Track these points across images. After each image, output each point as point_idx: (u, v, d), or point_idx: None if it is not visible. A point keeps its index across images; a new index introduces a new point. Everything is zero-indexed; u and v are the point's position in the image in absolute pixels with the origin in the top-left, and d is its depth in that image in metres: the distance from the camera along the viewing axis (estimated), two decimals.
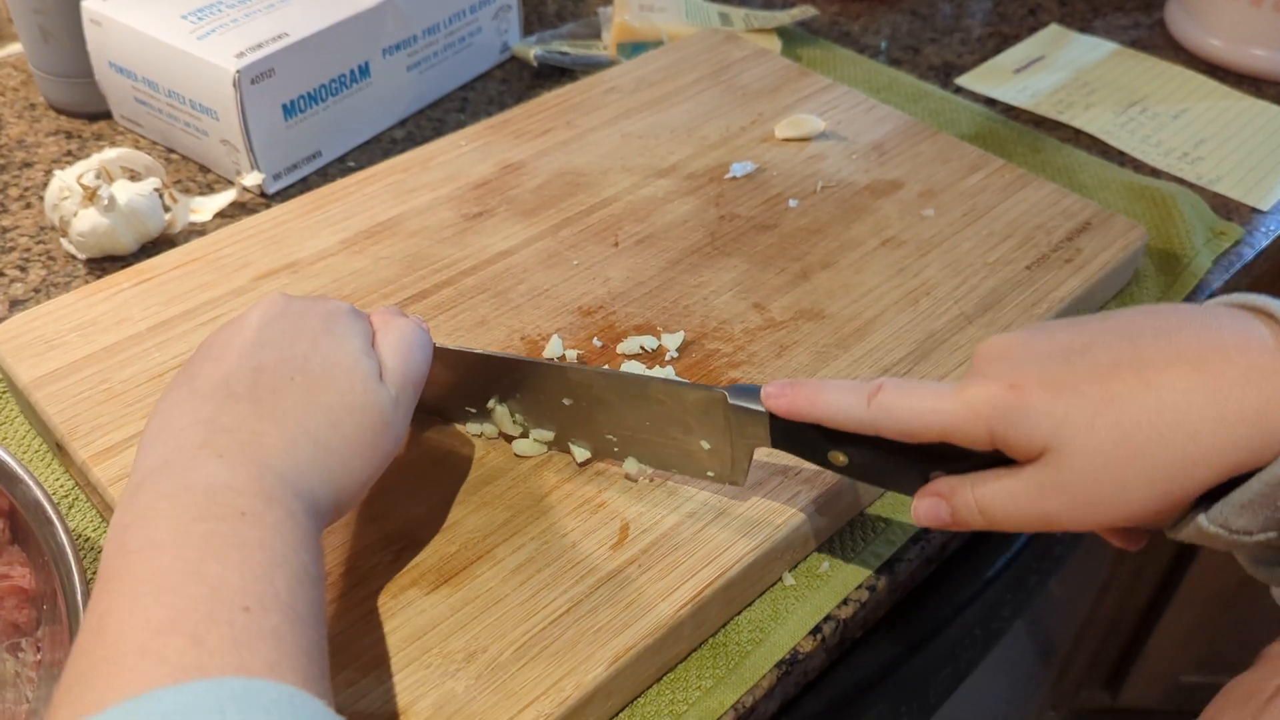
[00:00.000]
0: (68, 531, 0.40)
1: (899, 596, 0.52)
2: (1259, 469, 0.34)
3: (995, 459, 0.38)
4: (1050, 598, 1.34)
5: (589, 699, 0.41)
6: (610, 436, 0.49)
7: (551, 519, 0.47)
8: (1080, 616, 1.37)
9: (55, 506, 0.40)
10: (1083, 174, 0.75)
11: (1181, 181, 0.76)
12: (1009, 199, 0.67)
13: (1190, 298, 0.66)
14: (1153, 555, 1.27)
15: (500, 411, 0.50)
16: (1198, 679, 1.37)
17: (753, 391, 0.44)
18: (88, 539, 0.50)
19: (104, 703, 0.28)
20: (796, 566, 0.50)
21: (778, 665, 0.46)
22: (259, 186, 0.71)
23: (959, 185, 0.68)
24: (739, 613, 0.48)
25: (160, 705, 0.28)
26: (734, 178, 0.67)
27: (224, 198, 0.70)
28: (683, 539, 0.46)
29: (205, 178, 0.74)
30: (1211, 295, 0.67)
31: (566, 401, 0.48)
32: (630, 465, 0.49)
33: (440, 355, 0.49)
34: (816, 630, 0.47)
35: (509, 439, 0.51)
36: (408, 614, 0.43)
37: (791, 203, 0.66)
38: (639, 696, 0.45)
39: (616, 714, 0.44)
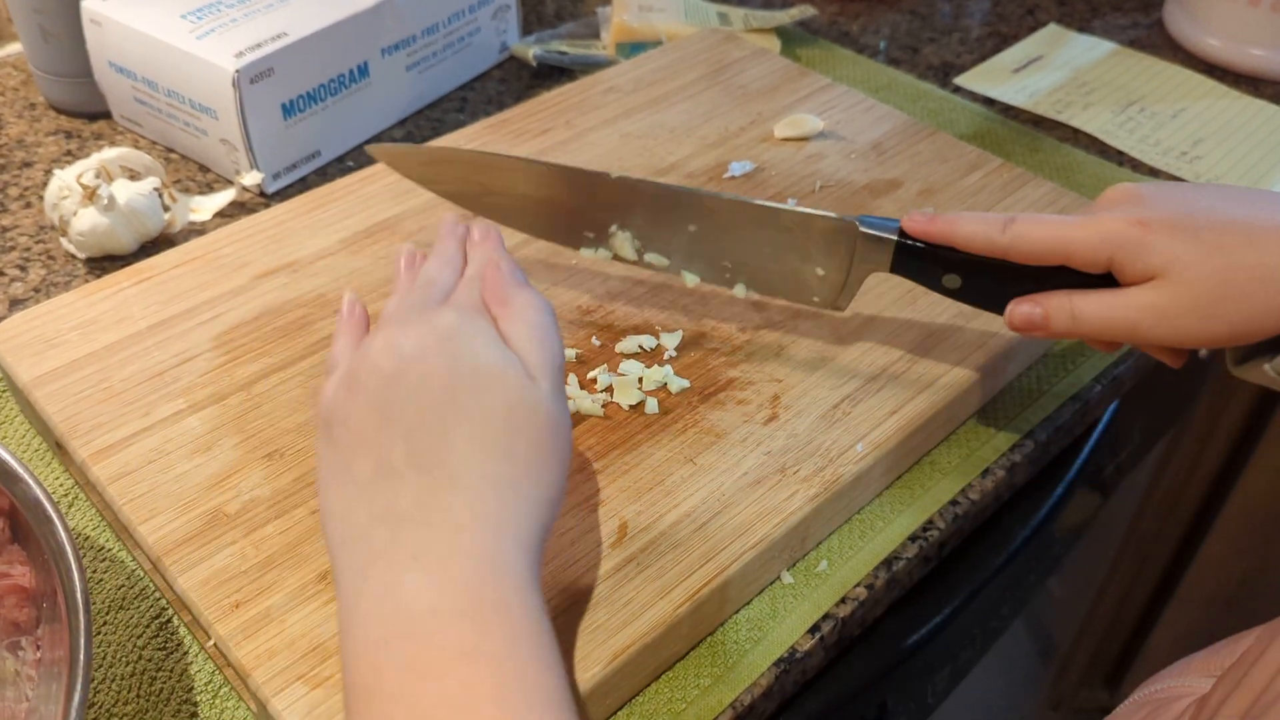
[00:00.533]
0: (68, 530, 0.40)
1: (897, 595, 0.52)
2: None
3: (1097, 281, 0.45)
4: (1049, 597, 1.34)
5: (587, 698, 0.41)
6: (725, 263, 0.52)
7: None
8: (1079, 616, 1.37)
9: (55, 505, 0.40)
10: (1081, 173, 0.76)
11: (1180, 180, 0.76)
12: (1008, 198, 0.67)
13: None
14: (1152, 555, 1.27)
15: (621, 237, 0.53)
16: None
17: (881, 221, 0.49)
18: (87, 538, 0.50)
19: None
20: (795, 565, 0.50)
21: (776, 664, 0.46)
22: (258, 186, 0.71)
23: (958, 184, 0.68)
24: (737, 611, 0.48)
25: None
26: (733, 177, 0.67)
27: (223, 197, 0.70)
28: (681, 537, 0.47)
29: (205, 177, 0.74)
30: None
31: (692, 228, 0.51)
32: (739, 290, 0.54)
33: (571, 176, 0.52)
34: (815, 629, 0.48)
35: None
36: None
37: (790, 202, 0.66)
38: (637, 695, 0.45)
39: (614, 713, 0.44)
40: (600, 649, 0.42)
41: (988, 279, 0.48)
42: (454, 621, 0.32)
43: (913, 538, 0.51)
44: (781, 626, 0.47)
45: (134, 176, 0.68)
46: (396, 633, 0.32)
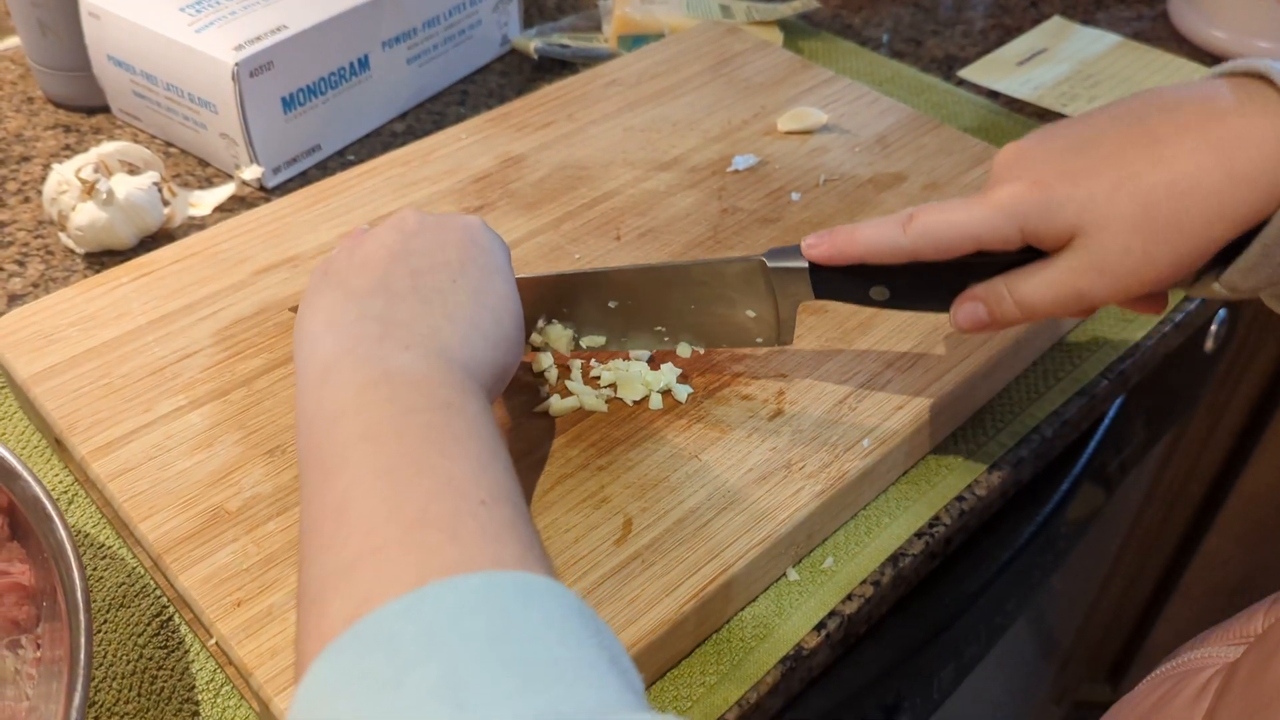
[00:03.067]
0: (67, 528, 0.39)
1: (903, 592, 0.52)
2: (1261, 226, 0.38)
3: (1026, 260, 0.42)
4: (1052, 592, 1.34)
5: None
6: (659, 328, 0.51)
7: (554, 514, 0.47)
8: (1082, 611, 1.37)
9: (54, 503, 0.40)
10: None
11: None
12: None
13: None
14: (1154, 550, 1.27)
15: (553, 331, 0.52)
16: None
17: (788, 252, 0.46)
18: (87, 535, 0.50)
19: (379, 594, 0.28)
20: (800, 562, 0.49)
21: (782, 661, 0.46)
22: (258, 180, 0.71)
23: (963, 178, 0.67)
24: (743, 608, 0.47)
25: (444, 598, 0.28)
26: (736, 171, 0.67)
27: (223, 192, 0.70)
28: (686, 534, 0.46)
29: (204, 172, 0.73)
30: None
31: (612, 304, 0.50)
32: (683, 350, 0.52)
33: None
34: (821, 626, 0.47)
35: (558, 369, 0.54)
36: None
37: (794, 196, 0.65)
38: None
39: None
40: None
41: (913, 282, 0.45)
42: (440, 386, 0.36)
43: (919, 534, 0.51)
44: (787, 624, 0.47)
45: (133, 171, 0.67)
46: (383, 379, 0.35)
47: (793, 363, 0.54)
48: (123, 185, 0.64)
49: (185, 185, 0.72)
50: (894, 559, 0.50)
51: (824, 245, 0.44)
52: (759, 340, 0.50)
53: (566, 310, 0.52)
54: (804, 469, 0.49)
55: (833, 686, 0.51)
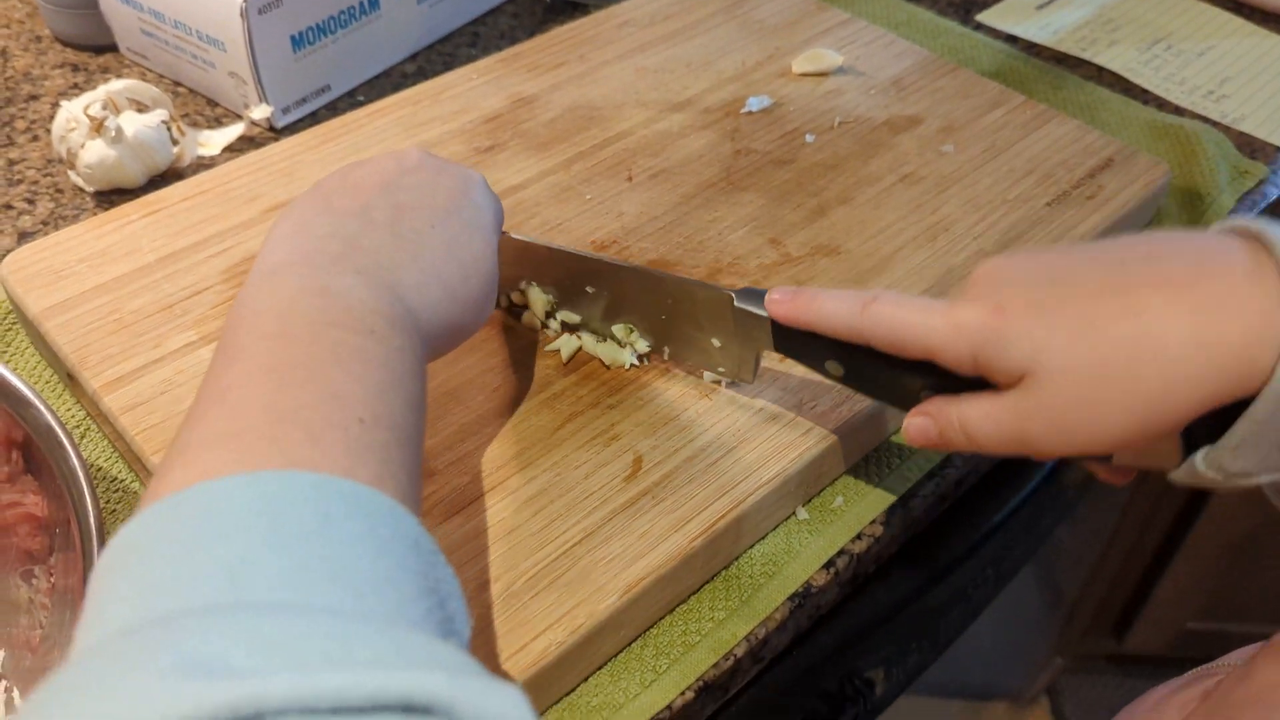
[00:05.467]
0: (80, 457, 0.39)
1: (913, 533, 0.52)
2: (1246, 403, 0.34)
3: (983, 382, 0.38)
4: (1059, 546, 1.35)
5: (601, 628, 0.41)
6: (630, 325, 0.50)
7: (564, 451, 0.47)
8: (1088, 565, 1.37)
9: (68, 432, 0.40)
10: (1105, 112, 0.74)
11: (1206, 120, 0.75)
12: (1030, 135, 0.65)
13: None
14: (1163, 503, 1.26)
15: (534, 293, 0.51)
16: (1204, 626, 1.38)
17: (760, 295, 0.44)
18: (100, 468, 0.50)
19: (222, 470, 0.29)
20: (810, 501, 0.49)
21: (790, 598, 0.46)
22: (268, 120, 0.70)
23: (979, 122, 0.66)
24: (752, 546, 0.48)
25: (271, 486, 0.28)
26: (750, 112, 0.66)
27: (232, 131, 0.69)
28: (696, 472, 0.46)
29: (213, 111, 0.73)
30: None
31: (590, 290, 0.50)
32: (641, 346, 0.50)
33: None
34: (830, 564, 0.47)
35: (543, 325, 0.53)
36: None
37: (808, 138, 0.64)
38: (651, 627, 0.45)
39: (629, 643, 0.44)
40: (615, 580, 0.42)
41: (866, 368, 0.42)
42: (373, 314, 0.36)
43: (930, 475, 0.51)
44: (796, 562, 0.47)
45: (141, 109, 0.67)
46: (320, 291, 0.36)
47: None
48: (131, 123, 0.64)
49: (194, 125, 0.72)
50: (904, 500, 0.50)
51: (785, 304, 0.42)
52: (720, 370, 0.49)
53: (548, 280, 0.51)
54: (815, 409, 0.49)
55: (841, 626, 0.51)
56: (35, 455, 0.41)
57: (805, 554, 0.47)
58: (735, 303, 0.45)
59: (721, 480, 0.46)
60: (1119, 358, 0.34)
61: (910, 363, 0.40)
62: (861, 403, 0.49)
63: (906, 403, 0.42)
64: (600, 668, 0.43)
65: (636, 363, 0.51)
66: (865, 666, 0.56)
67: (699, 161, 0.63)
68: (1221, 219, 0.66)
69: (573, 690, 0.42)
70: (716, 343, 0.48)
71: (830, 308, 0.41)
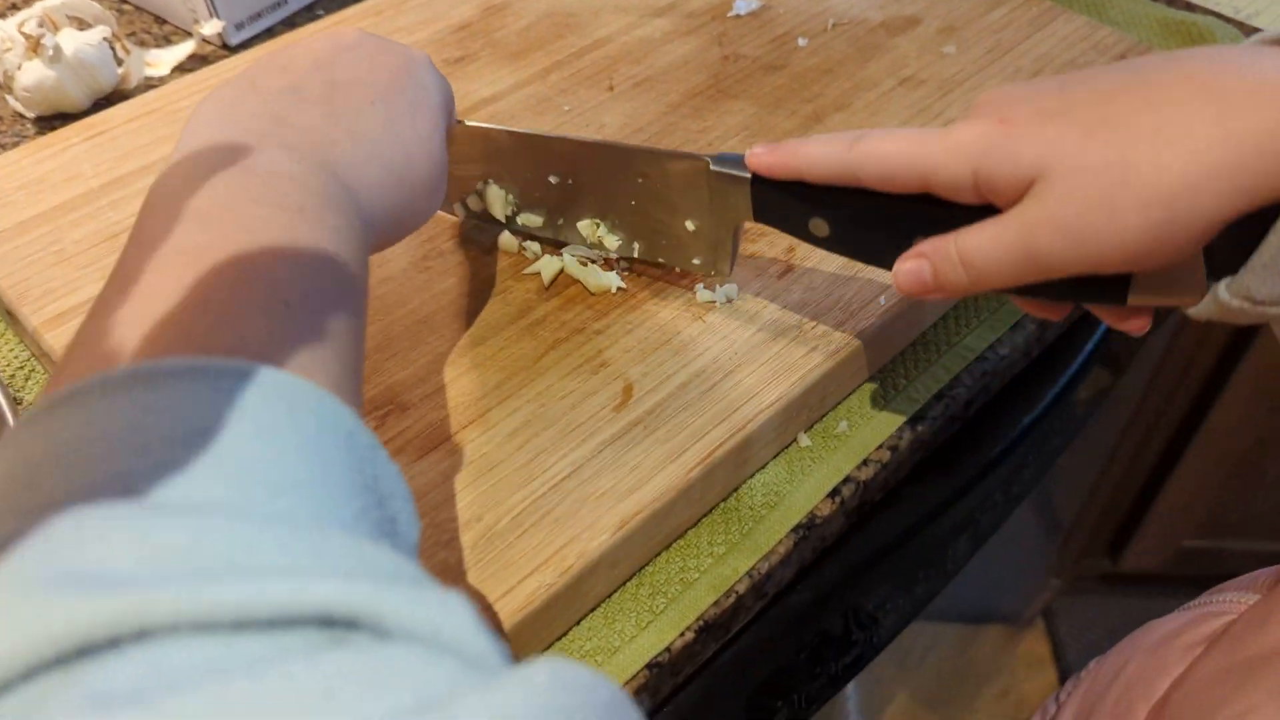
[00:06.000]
0: (10, 399, 0.36)
1: (921, 457, 0.49)
2: (1274, 217, 0.30)
3: (983, 215, 0.35)
4: (1057, 470, 1.33)
5: (593, 567, 0.38)
6: (597, 220, 0.47)
7: (548, 381, 0.43)
8: (1086, 488, 1.36)
9: (9, 388, 0.36)
10: (1114, 8, 0.70)
11: (1219, 16, 0.70)
12: (1037, 33, 0.61)
13: None
14: (1161, 421, 1.25)
15: (493, 192, 0.48)
16: (1200, 544, 1.37)
17: (737, 159, 0.41)
18: None
19: (118, 361, 0.26)
20: (812, 427, 0.46)
21: (794, 530, 0.43)
22: (220, 36, 0.65)
23: (982, 20, 0.62)
24: (751, 476, 0.44)
25: (175, 375, 0.24)
26: (737, 15, 0.62)
27: (182, 49, 0.65)
28: (690, 399, 0.43)
29: (161, 29, 0.68)
30: None
31: (553, 179, 0.46)
32: (611, 242, 0.47)
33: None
34: (835, 493, 0.44)
35: (521, 248, 0.49)
36: None
37: (801, 41, 0.60)
38: (647, 564, 0.42)
39: (624, 583, 0.41)
40: (607, 516, 0.39)
41: (855, 220, 0.39)
42: (303, 190, 0.32)
43: (938, 396, 0.48)
44: (799, 491, 0.44)
45: (82, 27, 0.62)
46: (242, 170, 0.32)
47: None
48: (71, 41, 0.59)
49: (141, 44, 0.67)
50: (912, 423, 0.47)
51: (768, 155, 0.39)
52: (696, 261, 0.45)
53: (508, 176, 0.47)
54: (816, 328, 0.45)
55: (847, 557, 0.48)
56: None
57: (808, 483, 0.44)
58: (711, 167, 0.41)
59: (718, 407, 0.42)
60: (1139, 151, 0.31)
61: (903, 204, 0.36)
62: (866, 319, 0.46)
63: (895, 259, 0.38)
64: (593, 609, 0.40)
65: (624, 285, 0.47)
66: (871, 598, 0.53)
67: (685, 68, 0.58)
68: None
69: (564, 635, 0.40)
70: (691, 226, 0.44)
71: (816, 150, 0.38)
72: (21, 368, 0.48)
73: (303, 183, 0.32)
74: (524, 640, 0.37)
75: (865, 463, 0.45)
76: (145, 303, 0.27)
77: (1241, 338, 1.14)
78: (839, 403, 0.47)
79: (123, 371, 0.24)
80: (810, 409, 0.45)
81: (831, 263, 0.48)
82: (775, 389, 0.43)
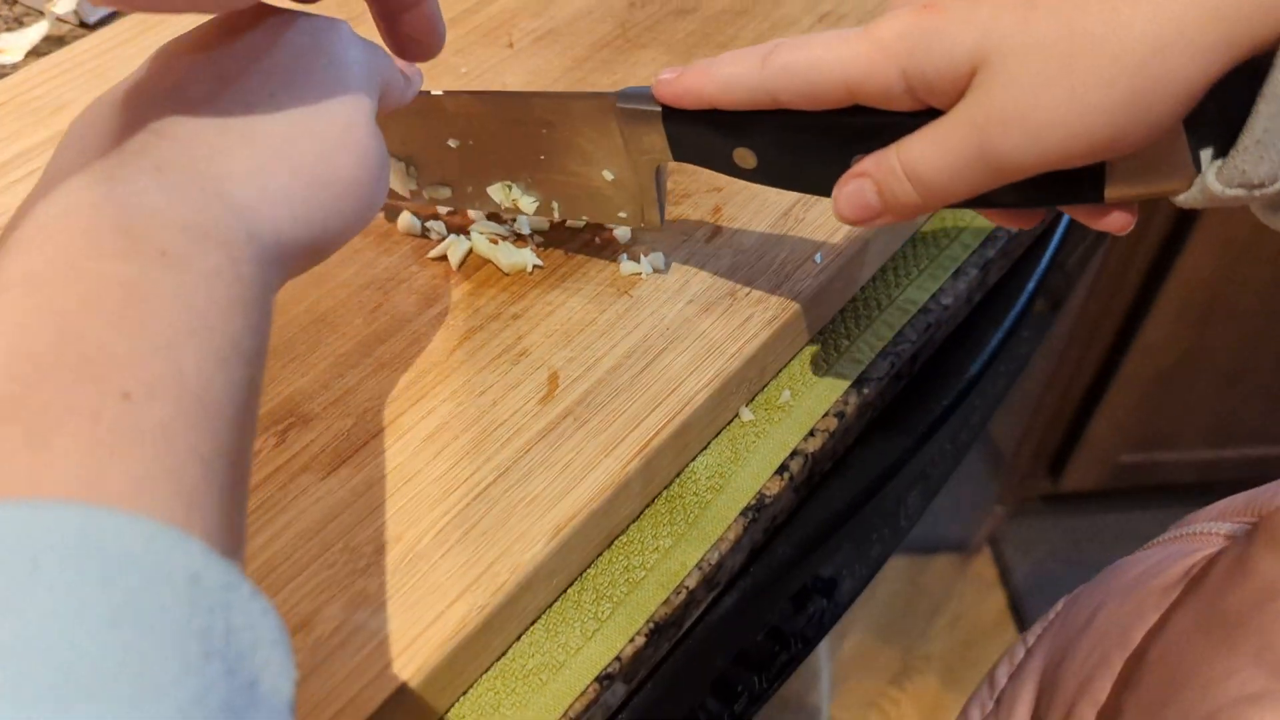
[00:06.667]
0: None
1: (869, 419, 0.46)
2: (1261, 79, 0.27)
3: (925, 119, 0.31)
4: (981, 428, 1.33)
5: (529, 581, 0.35)
6: (507, 183, 0.42)
7: (464, 376, 0.40)
8: (1027, 413, 1.36)
9: None
10: None
11: None
12: None
13: None
14: (1094, 341, 1.25)
15: (394, 165, 0.43)
16: (1137, 458, 1.39)
17: (645, 92, 0.37)
18: None
19: None
20: (754, 399, 0.43)
21: (743, 513, 0.40)
22: (75, 15, 0.59)
23: None
24: (694, 459, 0.41)
25: None
26: None
27: (35, 31, 0.59)
28: (622, 384, 0.39)
29: (11, 11, 0.61)
30: None
31: (453, 143, 0.41)
32: (528, 205, 0.42)
33: None
34: (783, 469, 0.42)
35: (424, 230, 0.45)
36: (301, 505, 0.36)
37: None
38: (588, 568, 0.38)
39: (564, 590, 0.38)
40: (539, 523, 0.36)
41: (781, 145, 0.35)
42: (168, 227, 0.26)
43: (884, 354, 0.45)
44: (745, 471, 0.41)
45: None
46: (91, 206, 0.25)
47: None
48: None
49: None
50: (858, 384, 0.44)
51: (674, 83, 0.35)
52: (622, 215, 0.41)
53: (402, 145, 0.43)
54: (750, 295, 0.42)
55: (797, 532, 0.46)
56: None
57: (754, 460, 0.42)
58: (618, 104, 0.37)
59: (653, 390, 0.39)
60: (1091, 15, 0.27)
61: (833, 120, 0.33)
62: (802, 280, 0.43)
63: (832, 185, 0.34)
64: (533, 623, 0.37)
65: (540, 263, 0.43)
66: (827, 567, 0.51)
67: (589, 18, 0.54)
68: None
69: (504, 654, 0.36)
70: (609, 175, 0.40)
71: (726, 73, 0.34)
72: None
73: (171, 217, 0.26)
74: (459, 667, 0.34)
75: (812, 433, 0.43)
76: None
77: (1167, 253, 1.15)
78: (779, 371, 0.44)
79: None
80: (750, 382, 0.42)
81: (761, 221, 0.45)
82: (712, 365, 0.40)
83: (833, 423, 0.43)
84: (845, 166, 0.34)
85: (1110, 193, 0.31)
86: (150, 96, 0.29)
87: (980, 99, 0.29)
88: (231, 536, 0.23)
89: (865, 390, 0.44)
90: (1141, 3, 0.27)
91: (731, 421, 0.42)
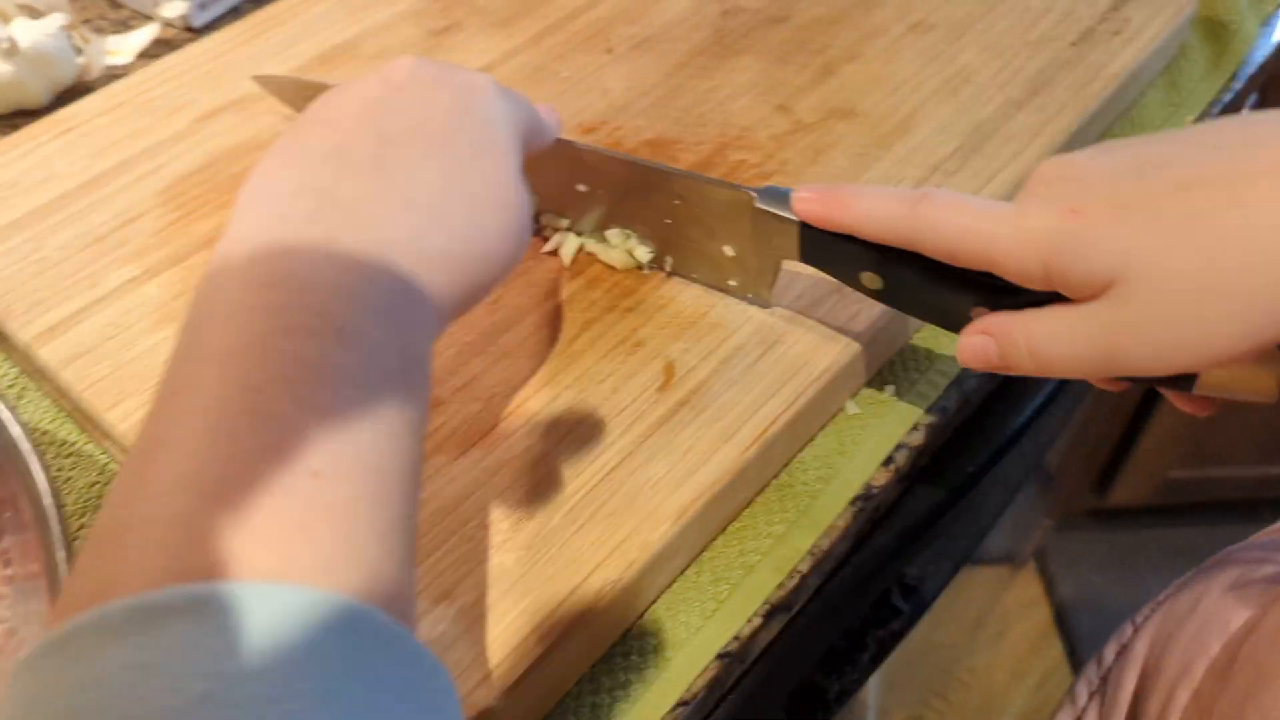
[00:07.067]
0: (22, 424, 0.33)
1: (967, 416, 0.47)
2: None
3: (1048, 299, 0.33)
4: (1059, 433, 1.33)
5: (656, 559, 0.36)
6: (628, 233, 0.44)
7: (584, 364, 0.41)
8: (1075, 424, 1.36)
9: (4, 401, 0.33)
10: None
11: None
12: None
13: (1240, 69, 0.60)
14: None
15: None
16: (1186, 473, 1.38)
17: (784, 195, 0.38)
18: (45, 432, 0.43)
19: (118, 584, 0.22)
20: (858, 394, 0.44)
21: (851, 502, 0.41)
22: (183, 18, 0.61)
23: None
24: (801, 449, 0.43)
25: (185, 622, 0.21)
26: None
27: (145, 34, 0.61)
28: (736, 375, 0.41)
29: (117, 14, 0.64)
30: (1262, 66, 0.61)
31: (582, 188, 0.43)
32: (642, 254, 0.44)
33: None
34: (889, 460, 0.43)
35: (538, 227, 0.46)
36: (437, 484, 0.37)
37: None
38: (704, 551, 0.40)
39: (681, 572, 0.39)
40: (665, 505, 0.37)
41: (912, 281, 0.36)
42: (344, 301, 0.27)
43: None
44: (852, 462, 0.42)
45: (34, 16, 0.58)
46: (278, 282, 0.27)
47: (830, 174, 0.48)
48: (26, 32, 0.55)
49: (98, 31, 0.63)
50: (957, 382, 0.45)
51: (817, 203, 0.37)
52: (732, 283, 0.43)
53: (529, 178, 0.44)
54: (856, 293, 0.43)
55: (896, 523, 0.47)
56: None
57: (860, 452, 0.43)
58: (757, 203, 0.39)
59: (766, 381, 0.41)
60: (1228, 256, 0.29)
61: (963, 275, 0.34)
62: None
63: (953, 321, 0.36)
64: (654, 602, 0.38)
65: (649, 260, 0.45)
66: (914, 566, 0.52)
67: (684, 25, 0.56)
68: (1248, 45, 0.61)
69: (626, 633, 0.38)
70: (730, 251, 0.41)
71: (873, 207, 0.35)
72: (12, 385, 0.45)
73: (345, 290, 0.28)
74: (591, 641, 0.36)
75: (915, 427, 0.44)
76: (157, 493, 0.23)
77: None
78: (883, 367, 0.45)
79: (118, 607, 0.21)
80: (857, 375, 0.43)
81: None
82: (824, 357, 0.41)
83: (935, 417, 0.44)
84: (965, 310, 0.36)
85: (1199, 391, 0.33)
86: (318, 155, 0.31)
87: (1116, 310, 0.31)
88: (405, 604, 0.25)
89: (965, 387, 0.45)
90: (1272, 250, 0.29)
91: (837, 414, 0.44)
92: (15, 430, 0.33)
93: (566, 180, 0.43)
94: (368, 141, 0.31)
